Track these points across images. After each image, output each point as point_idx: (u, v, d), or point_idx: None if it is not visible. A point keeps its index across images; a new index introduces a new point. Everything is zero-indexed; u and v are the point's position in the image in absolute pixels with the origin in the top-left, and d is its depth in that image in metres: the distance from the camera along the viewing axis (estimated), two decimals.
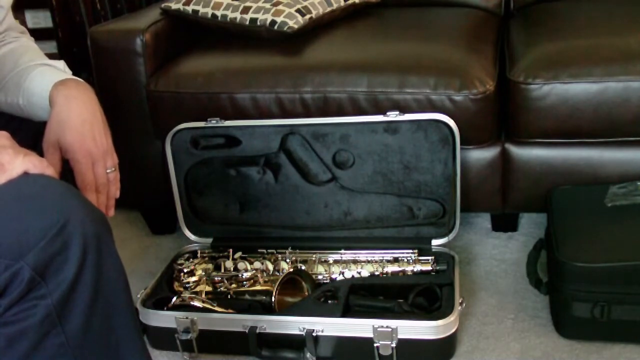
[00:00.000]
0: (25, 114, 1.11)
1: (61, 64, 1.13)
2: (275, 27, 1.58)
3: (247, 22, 1.63)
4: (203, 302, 1.35)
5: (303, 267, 1.44)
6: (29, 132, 1.13)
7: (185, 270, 1.44)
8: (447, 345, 1.27)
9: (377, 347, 1.25)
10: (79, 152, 1.00)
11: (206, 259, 1.50)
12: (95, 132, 1.02)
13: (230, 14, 1.65)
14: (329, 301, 1.32)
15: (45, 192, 0.78)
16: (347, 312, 1.30)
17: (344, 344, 1.27)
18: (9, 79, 1.11)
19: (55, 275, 0.77)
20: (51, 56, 1.17)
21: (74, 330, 0.79)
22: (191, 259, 1.49)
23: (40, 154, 0.84)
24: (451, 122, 1.39)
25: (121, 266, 0.85)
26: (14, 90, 1.10)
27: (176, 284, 1.44)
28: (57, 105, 1.02)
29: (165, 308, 1.35)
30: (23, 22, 2.31)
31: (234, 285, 1.42)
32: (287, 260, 1.46)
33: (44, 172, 0.80)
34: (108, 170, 1.04)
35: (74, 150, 1.00)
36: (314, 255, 1.46)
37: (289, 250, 1.48)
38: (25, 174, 0.80)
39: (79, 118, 1.02)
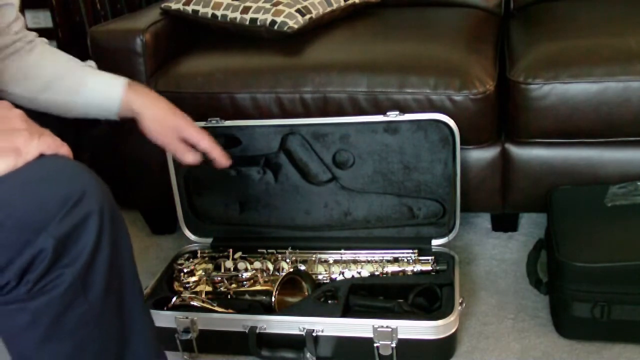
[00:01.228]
0: (72, 111, 1.22)
1: (93, 64, 1.24)
2: (275, 27, 1.58)
3: (247, 22, 1.63)
4: (203, 302, 1.35)
5: (303, 267, 1.44)
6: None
7: (185, 270, 1.44)
8: (447, 345, 1.27)
9: (377, 347, 1.25)
10: (191, 125, 1.24)
11: (206, 259, 1.50)
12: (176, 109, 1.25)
13: (230, 14, 1.65)
14: (329, 301, 1.32)
15: (61, 168, 0.80)
16: (347, 312, 1.30)
17: (344, 344, 1.27)
18: (64, 79, 1.20)
19: (77, 244, 0.78)
20: None
21: (95, 297, 0.82)
22: (191, 259, 1.49)
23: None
24: (451, 122, 1.39)
25: (129, 237, 0.88)
26: (67, 90, 1.20)
27: (176, 284, 1.44)
28: (147, 107, 1.20)
29: (165, 308, 1.35)
30: None
31: (234, 285, 1.42)
32: (287, 260, 1.46)
33: (58, 152, 0.82)
34: None
35: (190, 126, 1.24)
36: (314, 255, 1.46)
37: (289, 250, 1.48)
38: (41, 156, 0.81)
39: (167, 106, 1.23)
